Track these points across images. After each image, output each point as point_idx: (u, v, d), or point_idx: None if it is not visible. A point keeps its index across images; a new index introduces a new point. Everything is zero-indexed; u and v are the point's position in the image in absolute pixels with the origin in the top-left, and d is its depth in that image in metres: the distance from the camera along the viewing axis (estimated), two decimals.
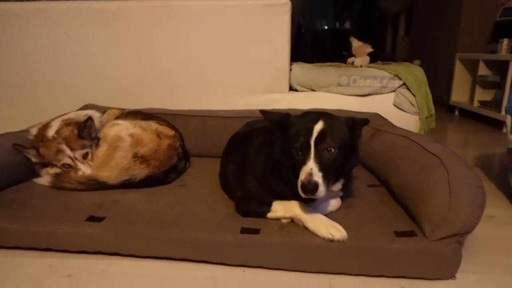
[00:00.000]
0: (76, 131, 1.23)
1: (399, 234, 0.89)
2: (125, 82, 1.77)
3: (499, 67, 2.85)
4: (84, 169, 1.21)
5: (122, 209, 1.05)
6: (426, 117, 1.71)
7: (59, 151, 1.20)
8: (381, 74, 1.70)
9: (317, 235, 0.89)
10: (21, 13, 1.69)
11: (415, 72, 1.72)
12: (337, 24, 1.88)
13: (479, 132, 2.62)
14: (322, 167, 0.85)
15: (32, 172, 1.24)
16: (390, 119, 1.57)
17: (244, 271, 0.91)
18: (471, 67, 3.20)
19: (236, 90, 1.74)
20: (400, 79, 1.69)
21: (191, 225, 0.97)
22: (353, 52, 1.97)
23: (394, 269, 0.88)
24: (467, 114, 3.19)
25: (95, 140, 1.27)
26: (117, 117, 1.42)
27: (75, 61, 1.75)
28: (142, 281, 0.89)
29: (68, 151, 1.20)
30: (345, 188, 1.01)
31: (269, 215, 0.97)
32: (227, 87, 1.74)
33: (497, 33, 3.05)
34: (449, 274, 0.88)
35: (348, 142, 0.92)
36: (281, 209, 0.96)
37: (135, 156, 1.23)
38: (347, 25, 1.88)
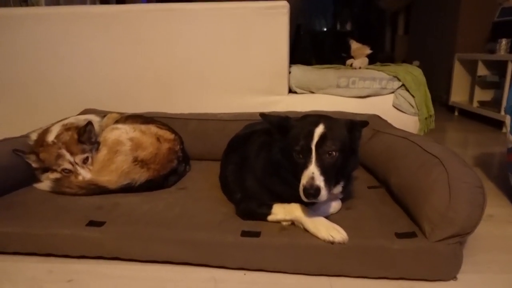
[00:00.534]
0: (76, 136, 1.23)
1: (399, 235, 0.89)
2: (124, 85, 1.78)
3: (498, 67, 2.86)
4: (84, 174, 1.21)
5: (122, 212, 1.05)
6: (426, 118, 1.72)
7: (59, 156, 1.20)
8: (380, 75, 1.71)
9: (317, 237, 0.89)
10: (22, 17, 1.70)
11: (413, 73, 1.72)
12: (338, 25, 1.88)
13: (479, 132, 2.62)
14: (324, 170, 0.85)
15: (32, 177, 1.24)
16: (389, 120, 1.57)
17: (245, 274, 0.91)
18: (470, 67, 3.21)
19: (236, 92, 1.75)
20: (399, 80, 1.69)
21: (191, 225, 0.97)
22: (352, 54, 1.97)
23: (395, 270, 0.87)
24: (466, 114, 3.19)
25: (95, 145, 1.28)
26: (117, 121, 1.43)
27: (75, 64, 1.76)
28: (143, 284, 0.89)
29: (68, 156, 1.20)
30: (345, 190, 1.01)
31: (270, 218, 0.97)
32: (227, 89, 1.75)
33: (495, 33, 3.06)
34: (450, 275, 0.88)
35: (348, 144, 0.93)
36: (282, 211, 0.96)
37: (135, 160, 1.23)
38: (348, 26, 1.87)
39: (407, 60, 4.71)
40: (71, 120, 1.34)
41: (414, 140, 1.17)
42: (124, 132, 1.30)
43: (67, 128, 1.27)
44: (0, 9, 1.76)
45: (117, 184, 1.19)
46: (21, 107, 1.81)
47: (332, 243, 0.87)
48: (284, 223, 0.97)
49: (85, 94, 1.78)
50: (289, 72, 1.76)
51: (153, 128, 1.37)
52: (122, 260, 0.96)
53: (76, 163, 1.21)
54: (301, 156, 0.88)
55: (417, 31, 4.56)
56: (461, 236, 0.85)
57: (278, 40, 1.66)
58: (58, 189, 1.18)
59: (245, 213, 1.01)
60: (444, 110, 3.49)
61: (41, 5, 2.59)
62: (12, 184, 1.21)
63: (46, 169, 1.22)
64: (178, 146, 1.39)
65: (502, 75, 2.70)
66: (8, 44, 1.73)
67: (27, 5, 2.63)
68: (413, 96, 1.69)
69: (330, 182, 0.87)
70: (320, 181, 0.83)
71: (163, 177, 1.26)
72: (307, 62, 2.05)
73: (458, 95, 3.32)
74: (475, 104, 3.01)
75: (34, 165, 1.23)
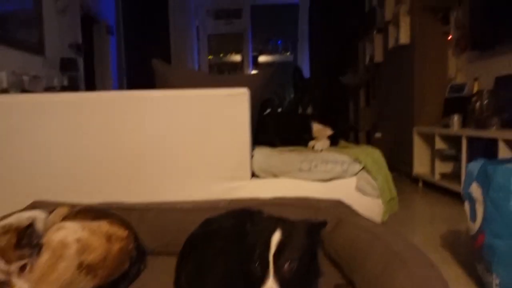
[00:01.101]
0: (14, 240, 1.11)
1: None
2: (81, 173, 1.70)
3: (454, 141, 3.00)
4: (21, 285, 1.07)
5: None
6: (389, 200, 1.71)
7: None
8: (341, 158, 1.72)
9: None
10: None
11: (373, 156, 1.75)
12: (299, 109, 1.93)
13: (443, 205, 2.65)
14: (283, 284, 0.78)
15: None
16: (353, 204, 1.55)
17: None
18: (429, 140, 3.35)
19: (197, 179, 1.70)
20: (360, 162, 1.71)
21: None
22: (314, 135, 2.01)
23: None
24: (430, 186, 3.26)
25: (36, 248, 1.16)
26: (65, 217, 1.32)
27: (30, 153, 1.68)
28: None
29: (2, 264, 1.07)
30: None
31: None
32: (188, 176, 1.70)
33: (448, 108, 3.26)
34: None
35: (308, 251, 0.87)
36: None
37: (81, 266, 1.11)
38: (309, 110, 1.92)
39: (371, 131, 4.93)
40: (11, 220, 1.22)
41: (378, 233, 1.14)
42: (71, 232, 1.20)
43: (5, 231, 1.15)
44: None
45: None
46: None
47: None
48: None
49: (37, 184, 1.68)
50: (252, 156, 1.75)
51: (104, 226, 1.27)
52: None
53: (12, 273, 1.08)
54: (258, 268, 0.81)
55: (377, 105, 4.82)
56: None
57: (239, 126, 1.66)
58: None
59: None
60: (409, 182, 3.57)
61: None
62: None
63: None
64: (132, 245, 1.28)
65: (459, 149, 2.82)
66: None
67: None
68: (375, 179, 1.69)
69: None
70: None
71: (112, 283, 1.14)
72: (271, 143, 2.07)
73: (420, 167, 3.42)
74: (437, 176, 3.10)
75: None
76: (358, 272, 1.08)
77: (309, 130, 2.01)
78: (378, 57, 4.52)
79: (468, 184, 1.35)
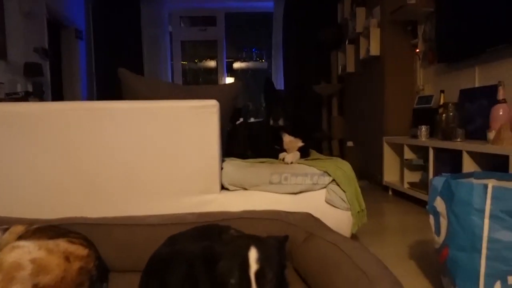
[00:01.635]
0: None
1: None
2: (41, 188, 1.62)
3: (422, 151, 3.08)
4: None
5: None
6: (358, 212, 1.72)
7: None
8: (311, 170, 1.72)
9: None
10: None
11: (343, 168, 1.76)
12: (271, 121, 1.92)
13: (412, 214, 2.71)
14: None
15: None
16: (323, 217, 1.54)
17: None
18: (398, 150, 3.43)
19: (165, 193, 1.65)
20: (329, 175, 1.71)
21: None
22: (285, 147, 2.00)
23: None
24: (400, 194, 3.33)
25: None
26: (21, 236, 1.25)
27: None
28: None
29: None
30: None
31: None
32: (156, 190, 1.65)
33: (416, 119, 3.35)
34: None
35: (280, 266, 0.86)
36: None
37: None
38: (280, 122, 1.92)
39: (343, 140, 5.01)
40: None
41: (346, 249, 1.14)
42: (26, 252, 1.13)
43: None
44: None
45: None
46: None
47: None
48: None
49: None
50: (222, 168, 1.72)
51: (62, 244, 1.20)
52: None
53: None
54: None
55: (349, 114, 4.90)
56: None
57: (208, 139, 1.63)
58: None
59: None
60: (380, 190, 3.63)
61: None
62: None
63: None
64: (92, 264, 1.22)
65: (426, 159, 2.89)
66: None
67: None
68: (344, 191, 1.70)
69: None
70: None
71: None
72: (242, 154, 2.05)
73: (390, 175, 3.49)
74: (406, 185, 3.16)
75: None
76: None
77: (279, 142, 2.01)
78: (350, 67, 4.61)
79: (432, 198, 1.38)
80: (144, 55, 5.66)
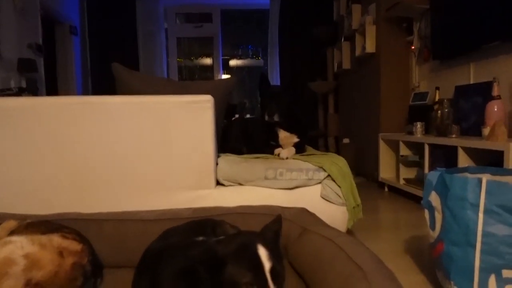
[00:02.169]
0: None
1: None
2: (34, 183, 1.60)
3: (417, 148, 3.08)
4: None
5: None
6: (353, 207, 1.72)
7: None
8: (306, 166, 1.72)
9: None
10: None
11: (338, 164, 1.76)
12: (266, 116, 1.91)
13: (408, 210, 2.71)
14: None
15: None
16: (318, 212, 1.54)
17: None
18: (394, 146, 3.43)
19: (160, 189, 1.64)
20: (325, 170, 1.71)
21: None
22: (280, 143, 2.00)
23: None
24: (395, 191, 3.34)
25: None
26: (13, 231, 1.24)
27: None
28: None
29: None
30: None
31: None
32: (150, 185, 1.64)
33: (411, 116, 3.35)
34: None
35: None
36: None
37: (28, 284, 1.04)
38: (276, 118, 1.91)
39: (339, 137, 5.01)
40: None
41: (340, 243, 1.14)
42: (19, 247, 1.12)
43: None
44: None
45: None
46: None
47: None
48: None
49: None
50: (217, 164, 1.71)
51: (56, 239, 1.19)
52: None
53: None
54: None
55: (345, 111, 4.90)
56: None
57: (203, 134, 1.62)
58: None
59: None
60: (375, 186, 3.64)
61: None
62: None
63: None
64: (86, 259, 1.21)
65: (422, 155, 2.90)
66: None
67: None
68: (339, 186, 1.70)
69: None
70: None
71: None
72: (237, 150, 2.04)
73: (386, 172, 3.50)
74: (401, 181, 3.17)
75: None
76: (320, 284, 1.06)
77: (275, 138, 2.00)
78: (346, 64, 4.60)
79: (427, 193, 1.38)
80: (139, 52, 5.63)
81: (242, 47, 6.87)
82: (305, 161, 1.74)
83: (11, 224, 1.28)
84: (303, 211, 1.55)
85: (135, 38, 5.56)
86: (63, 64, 4.95)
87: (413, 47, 3.59)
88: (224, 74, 6.61)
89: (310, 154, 1.91)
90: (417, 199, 2.85)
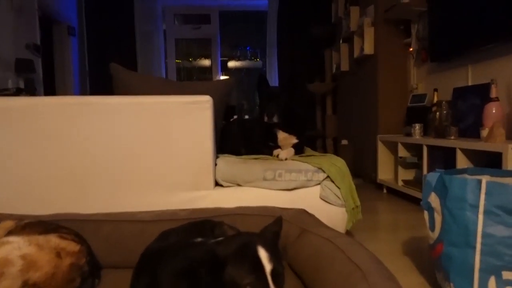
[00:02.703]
0: None
1: None
2: (31, 183, 1.59)
3: (416, 149, 3.09)
4: None
5: None
6: (353, 208, 1.72)
7: None
8: (305, 167, 1.71)
9: None
10: None
11: (337, 165, 1.75)
12: (265, 117, 1.91)
13: (406, 212, 2.71)
14: None
15: None
16: (317, 213, 1.54)
17: None
18: (392, 148, 3.44)
19: (158, 189, 1.63)
20: (324, 171, 1.71)
21: None
22: (279, 143, 1.99)
23: None
24: (394, 192, 3.34)
25: None
26: (10, 232, 1.23)
27: None
28: None
29: None
30: None
31: None
32: (148, 186, 1.63)
33: (410, 117, 3.36)
34: None
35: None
36: None
37: (25, 285, 1.03)
38: (275, 119, 1.91)
39: (337, 139, 5.01)
40: None
41: (340, 244, 1.13)
42: (16, 248, 1.11)
43: None
44: None
45: None
46: None
47: None
48: None
49: None
50: (215, 165, 1.71)
51: (53, 240, 1.19)
52: None
53: None
54: None
55: (343, 112, 4.91)
56: None
57: (202, 135, 1.62)
58: None
59: None
60: (374, 188, 3.64)
61: None
62: None
63: None
64: (84, 260, 1.21)
65: (420, 156, 2.90)
66: None
67: None
68: (338, 188, 1.70)
69: None
70: None
71: None
72: (236, 151, 2.04)
73: (384, 173, 3.50)
74: (400, 183, 3.17)
75: None
76: (319, 284, 1.06)
77: (274, 139, 2.00)
78: (344, 66, 4.61)
79: (426, 194, 1.38)
80: (137, 53, 5.62)
81: (241, 48, 6.87)
82: (304, 162, 1.73)
83: (9, 224, 1.27)
84: (302, 212, 1.55)
85: (133, 39, 5.54)
86: (61, 64, 4.94)
87: (411, 49, 3.60)
88: (222, 75, 6.61)
89: (309, 155, 1.91)
90: (415, 201, 2.85)
